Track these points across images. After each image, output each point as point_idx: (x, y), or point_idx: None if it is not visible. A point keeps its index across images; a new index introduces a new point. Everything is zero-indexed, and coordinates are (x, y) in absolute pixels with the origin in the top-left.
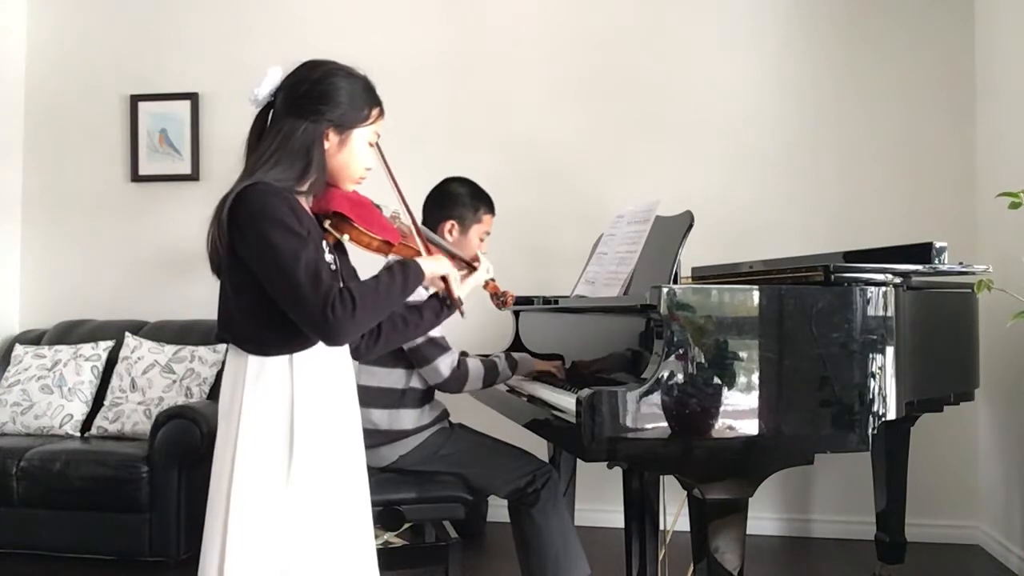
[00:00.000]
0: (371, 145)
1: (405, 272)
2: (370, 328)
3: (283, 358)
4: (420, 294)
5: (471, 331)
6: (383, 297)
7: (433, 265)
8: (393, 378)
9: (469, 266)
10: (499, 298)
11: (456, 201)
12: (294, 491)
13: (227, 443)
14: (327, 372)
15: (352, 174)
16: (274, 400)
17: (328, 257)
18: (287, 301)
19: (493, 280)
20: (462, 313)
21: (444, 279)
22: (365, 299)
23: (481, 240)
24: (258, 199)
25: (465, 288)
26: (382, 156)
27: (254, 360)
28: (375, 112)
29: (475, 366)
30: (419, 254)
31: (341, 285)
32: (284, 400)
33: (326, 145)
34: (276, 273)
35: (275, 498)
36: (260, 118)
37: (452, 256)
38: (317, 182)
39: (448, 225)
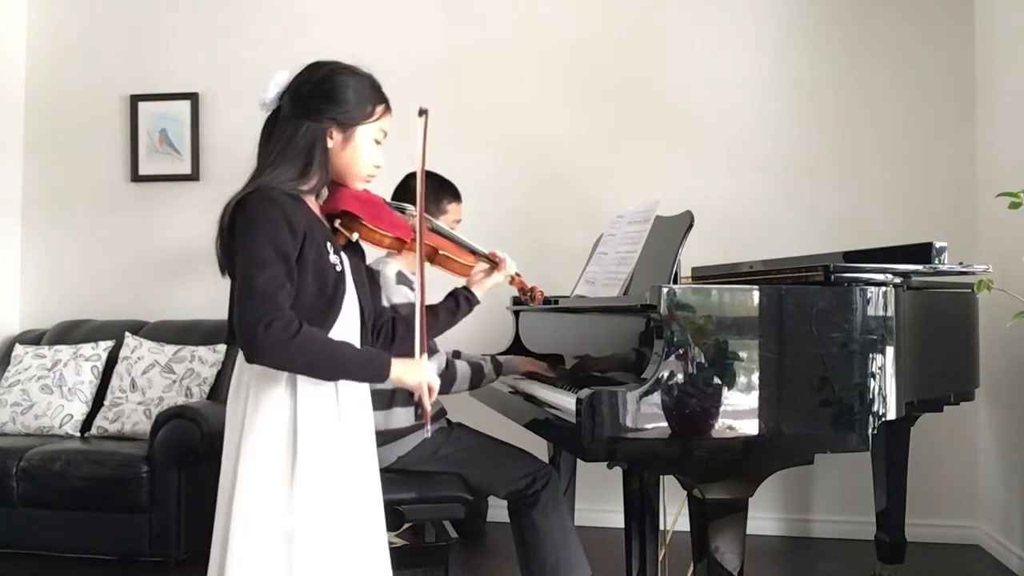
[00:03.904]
0: (377, 143)
1: (370, 361)
2: (292, 372)
3: None
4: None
5: (471, 330)
6: (329, 358)
7: (409, 373)
8: None
9: (491, 263)
10: (527, 294)
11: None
12: (297, 496)
13: (231, 445)
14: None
15: (359, 172)
16: (276, 405)
17: (333, 258)
18: (235, 300)
19: (519, 275)
20: (427, 427)
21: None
22: (313, 342)
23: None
24: (252, 207)
25: (485, 286)
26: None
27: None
28: (380, 109)
29: (463, 369)
30: (436, 251)
31: (297, 321)
32: (286, 406)
33: (329, 144)
34: (240, 270)
35: (278, 502)
36: (269, 122)
37: (473, 252)
38: (320, 181)
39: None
